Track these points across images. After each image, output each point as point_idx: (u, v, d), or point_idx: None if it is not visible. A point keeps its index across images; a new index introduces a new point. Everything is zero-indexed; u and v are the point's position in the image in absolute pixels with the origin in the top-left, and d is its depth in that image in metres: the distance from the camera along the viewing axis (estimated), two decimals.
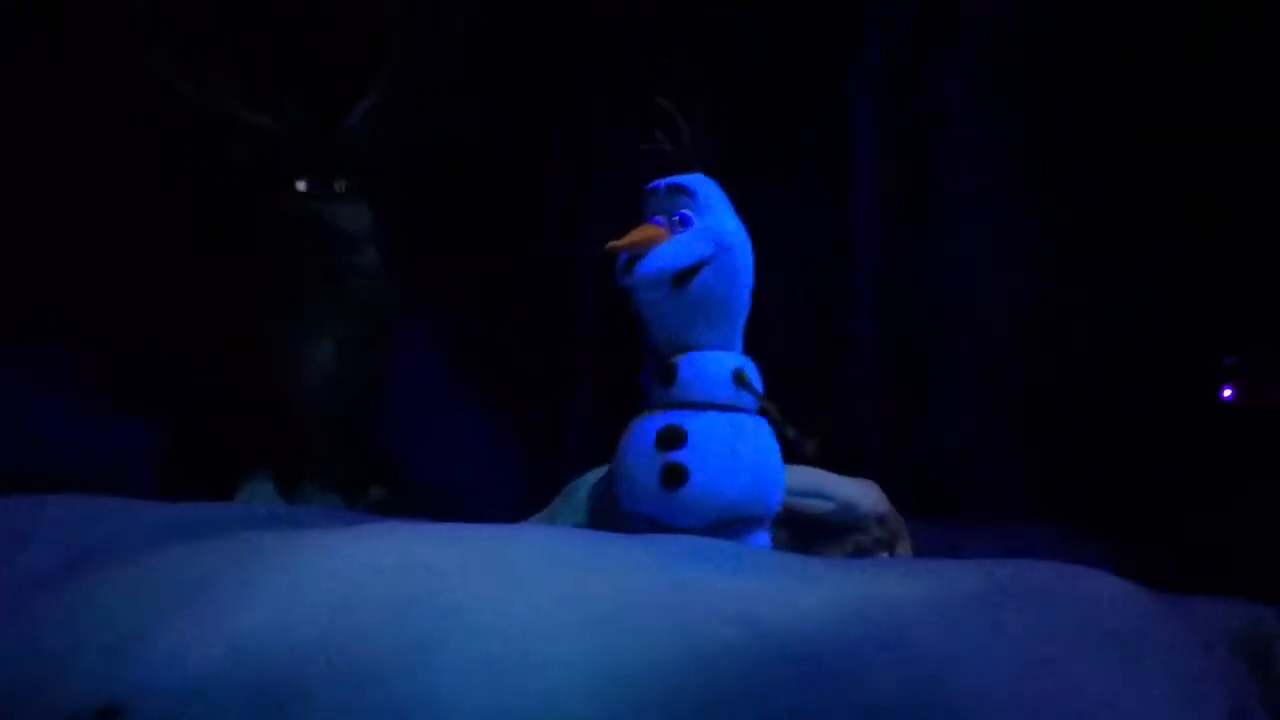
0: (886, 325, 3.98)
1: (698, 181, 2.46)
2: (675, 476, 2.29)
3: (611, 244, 2.37)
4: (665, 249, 2.37)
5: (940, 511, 3.59)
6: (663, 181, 2.44)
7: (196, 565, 1.86)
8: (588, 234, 3.84)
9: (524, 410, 3.79)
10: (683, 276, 2.37)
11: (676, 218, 2.41)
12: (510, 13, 3.83)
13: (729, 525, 2.32)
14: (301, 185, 3.38)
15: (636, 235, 2.39)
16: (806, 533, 2.81)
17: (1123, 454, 4.14)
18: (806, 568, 1.89)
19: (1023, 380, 4.21)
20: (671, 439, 2.31)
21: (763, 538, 2.42)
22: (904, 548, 3.02)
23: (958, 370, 4.09)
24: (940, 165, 4.04)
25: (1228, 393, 4.99)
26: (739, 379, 2.38)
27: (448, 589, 1.63)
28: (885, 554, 2.88)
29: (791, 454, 2.45)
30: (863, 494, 2.92)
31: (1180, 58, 3.85)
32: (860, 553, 2.83)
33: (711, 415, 2.35)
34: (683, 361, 2.39)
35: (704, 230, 2.39)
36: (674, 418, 2.34)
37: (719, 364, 2.39)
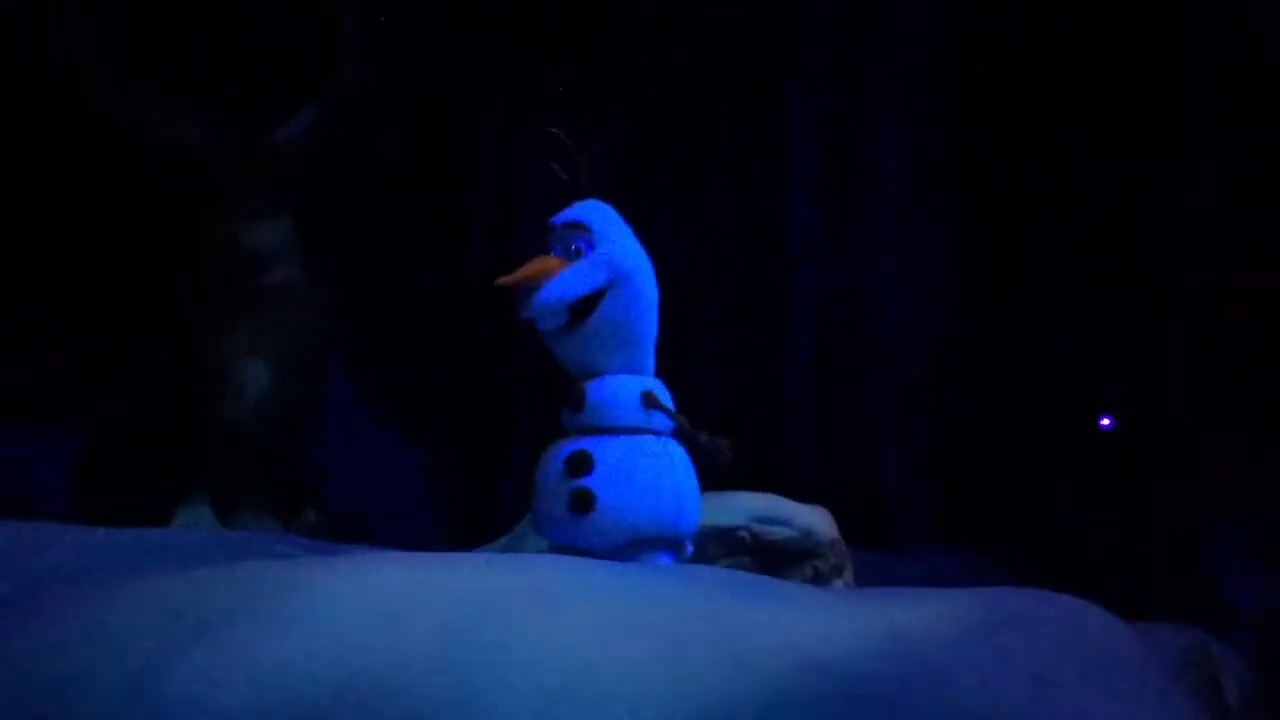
0: (821, 347, 4.06)
1: (592, 212, 2.47)
2: (583, 502, 2.29)
3: (502, 279, 2.38)
4: (560, 279, 2.38)
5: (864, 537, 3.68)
6: (558, 218, 2.46)
7: (205, 595, 1.80)
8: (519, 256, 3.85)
9: (459, 434, 3.77)
10: (580, 305, 2.39)
11: (574, 248, 2.43)
12: (444, 31, 3.82)
13: (637, 547, 2.33)
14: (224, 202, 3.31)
15: (529, 268, 2.39)
16: (769, 559, 2.86)
17: (1018, 480, 4.30)
18: (827, 599, 1.91)
19: (935, 409, 4.35)
20: (579, 465, 2.32)
21: (667, 558, 2.39)
22: (849, 574, 3.09)
23: (879, 400, 4.20)
24: (866, 195, 4.15)
25: (1105, 422, 5.22)
26: (648, 400, 2.39)
27: (491, 621, 1.61)
28: (839, 581, 2.94)
29: (708, 462, 2.43)
30: (818, 520, 2.97)
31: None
32: (818, 578, 2.88)
33: (620, 440, 2.36)
34: (591, 386, 2.39)
35: (599, 259, 2.40)
36: (582, 444, 2.35)
37: (627, 388, 2.40)
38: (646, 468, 2.34)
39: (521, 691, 1.53)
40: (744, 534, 2.70)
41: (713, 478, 2.45)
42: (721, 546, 2.60)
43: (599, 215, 2.47)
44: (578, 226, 2.44)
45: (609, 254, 2.41)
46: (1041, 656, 1.90)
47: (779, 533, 2.78)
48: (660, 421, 2.41)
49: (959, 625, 1.92)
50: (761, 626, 1.67)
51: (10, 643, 1.89)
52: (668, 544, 2.38)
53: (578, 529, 2.30)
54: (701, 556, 2.54)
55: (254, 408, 3.38)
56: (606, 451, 2.34)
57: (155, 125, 3.40)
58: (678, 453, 2.39)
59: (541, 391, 3.79)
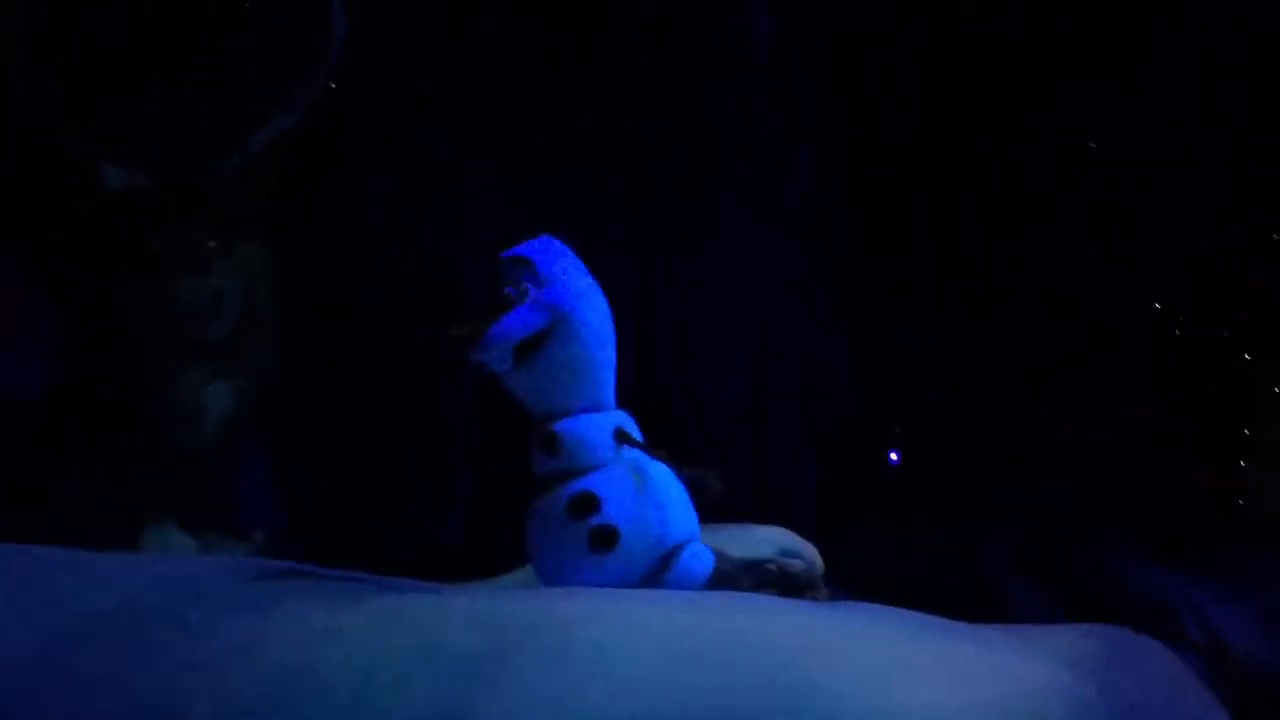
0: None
1: (538, 249, 2.55)
2: (606, 539, 2.38)
3: (452, 326, 2.49)
4: (500, 323, 2.45)
5: None
6: (506, 253, 2.54)
7: (448, 632, 1.83)
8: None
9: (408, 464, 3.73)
10: (524, 347, 2.45)
11: (523, 285, 2.50)
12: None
13: (668, 560, 2.44)
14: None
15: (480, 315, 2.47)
16: (783, 590, 3.03)
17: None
18: (987, 633, 2.13)
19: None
20: (585, 505, 2.39)
21: (707, 552, 2.53)
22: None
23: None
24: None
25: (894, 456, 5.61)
26: (620, 436, 2.48)
27: (789, 665, 1.72)
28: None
29: (696, 495, 2.55)
30: (811, 550, 3.19)
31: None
32: None
33: (609, 469, 2.44)
34: (563, 432, 2.45)
35: (540, 301, 2.47)
36: (576, 486, 2.42)
37: (598, 427, 2.47)
38: (648, 487, 2.45)
39: None
40: (773, 566, 2.86)
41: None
42: (752, 578, 2.75)
43: (544, 252, 2.55)
44: (521, 261, 2.53)
45: (549, 294, 2.48)
46: (1138, 687, 2.20)
47: (796, 565, 2.96)
48: (634, 455, 2.50)
49: (1070, 662, 2.14)
50: (978, 660, 1.84)
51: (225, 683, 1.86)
52: (689, 541, 2.50)
53: (606, 566, 2.38)
54: (735, 589, 2.68)
55: (218, 432, 3.29)
56: (604, 485, 2.42)
57: (99, 160, 3.23)
58: (654, 464, 2.49)
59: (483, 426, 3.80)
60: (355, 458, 3.67)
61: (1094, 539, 4.11)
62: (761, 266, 4.20)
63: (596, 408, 2.50)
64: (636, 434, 2.52)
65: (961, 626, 2.14)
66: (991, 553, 4.36)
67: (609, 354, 2.53)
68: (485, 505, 3.78)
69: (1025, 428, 4.31)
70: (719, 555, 2.57)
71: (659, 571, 2.46)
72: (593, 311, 2.50)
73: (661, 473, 2.50)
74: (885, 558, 3.82)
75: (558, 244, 2.57)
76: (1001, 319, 4.23)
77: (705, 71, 4.16)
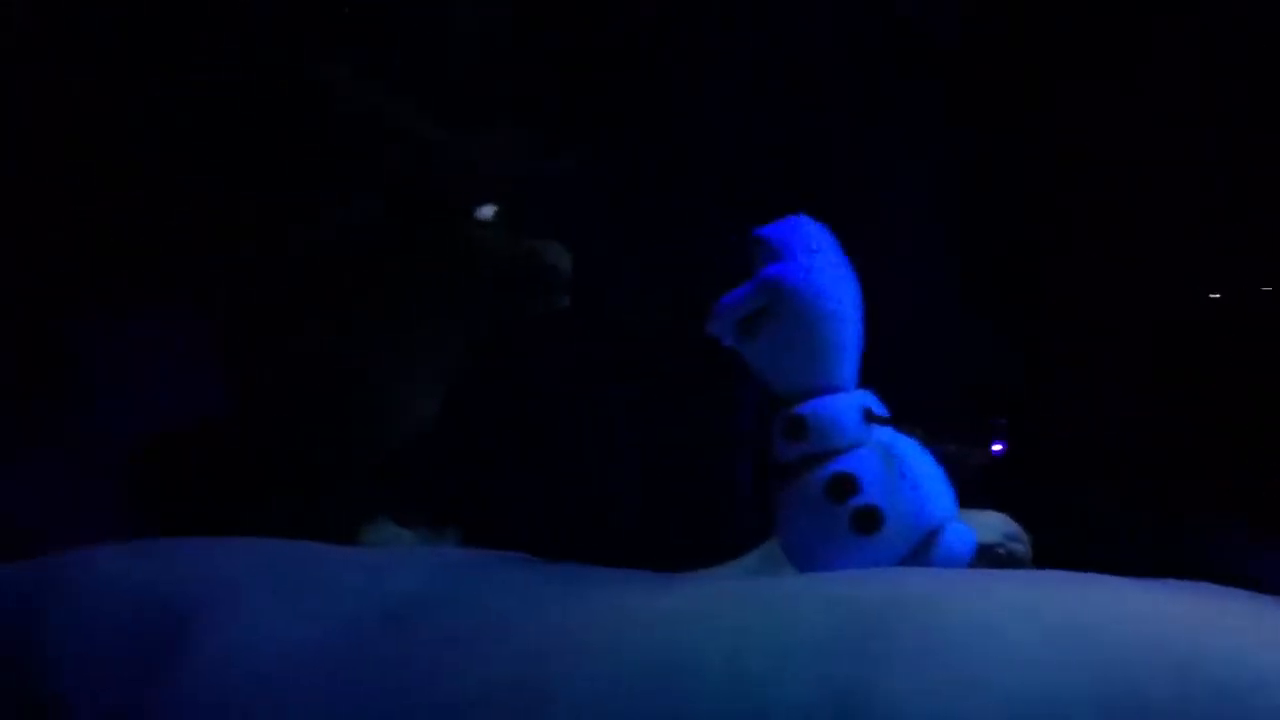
0: None
1: (780, 228, 2.57)
2: (870, 520, 2.38)
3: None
4: (724, 297, 2.52)
5: None
6: (755, 230, 2.59)
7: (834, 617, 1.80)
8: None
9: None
10: (746, 324, 2.50)
11: (761, 263, 2.55)
12: None
13: (933, 536, 2.44)
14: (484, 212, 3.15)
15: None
16: None
17: None
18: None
19: None
20: (844, 486, 2.40)
21: (970, 533, 2.54)
22: None
23: None
24: None
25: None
26: (868, 416, 2.48)
27: (1175, 638, 1.68)
28: None
29: (956, 469, 2.57)
30: (1025, 536, 3.19)
31: None
32: None
33: (860, 450, 2.44)
34: (808, 414, 2.46)
35: (760, 280, 2.51)
36: (832, 467, 2.42)
37: (845, 407, 2.47)
38: (905, 465, 2.45)
39: None
40: (1003, 550, 2.86)
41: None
42: (984, 561, 2.74)
43: (785, 232, 2.57)
44: (758, 240, 2.57)
45: (771, 271, 2.51)
46: None
47: (1021, 550, 2.95)
48: (884, 435, 2.49)
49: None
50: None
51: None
52: (951, 525, 2.50)
53: (868, 548, 2.38)
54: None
55: (418, 424, 3.26)
56: (860, 466, 2.42)
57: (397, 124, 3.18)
58: (905, 443, 2.50)
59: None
60: (526, 446, 3.63)
61: None
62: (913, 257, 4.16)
63: (836, 389, 2.50)
64: (882, 412, 2.51)
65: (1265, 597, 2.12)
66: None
67: (847, 335, 2.51)
68: (656, 492, 3.76)
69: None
70: None
71: (920, 552, 2.45)
72: (825, 292, 2.50)
73: (914, 451, 2.50)
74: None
75: (806, 223, 2.58)
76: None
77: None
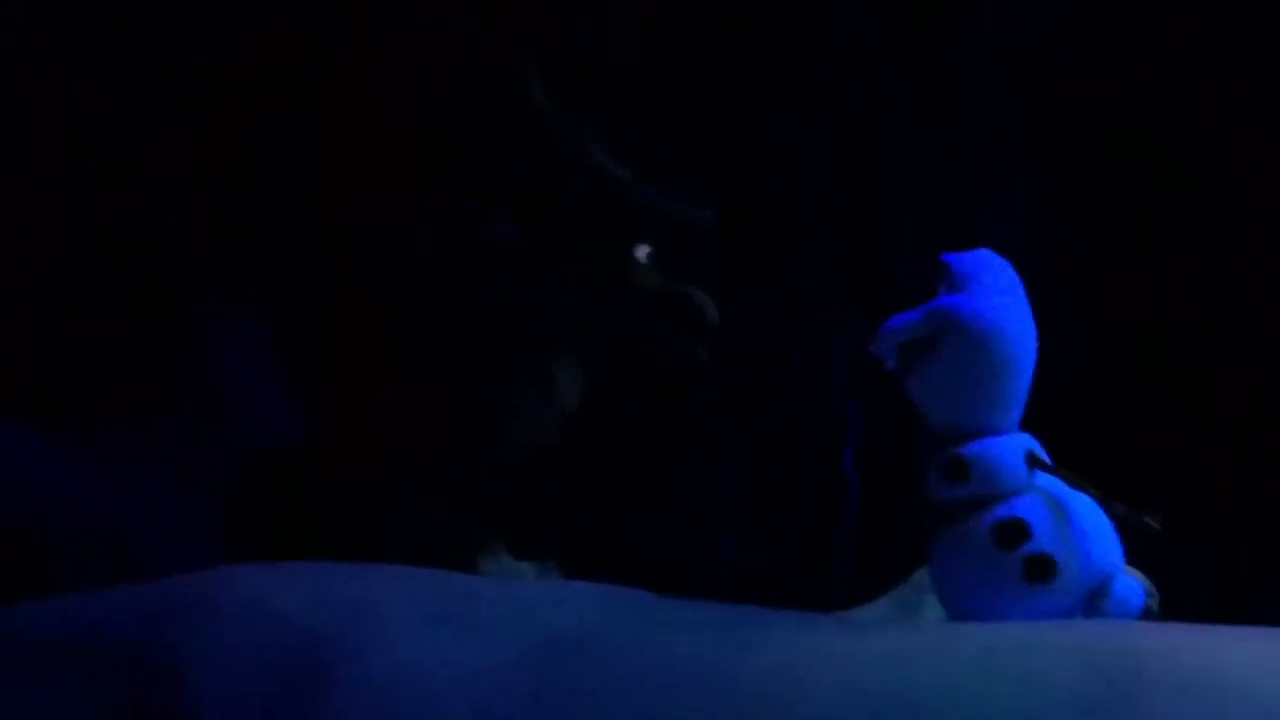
0: None
1: (964, 259, 2.49)
2: (1043, 569, 2.29)
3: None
4: (890, 320, 2.44)
5: None
6: (941, 256, 2.50)
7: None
8: None
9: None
10: (908, 350, 2.43)
11: (940, 291, 2.47)
12: None
13: (1103, 588, 2.37)
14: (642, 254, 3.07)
15: None
16: None
17: None
18: None
19: None
20: (1015, 533, 2.31)
21: (1139, 586, 2.45)
22: None
23: None
24: None
25: None
26: (1032, 461, 2.39)
27: None
28: None
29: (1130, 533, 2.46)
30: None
31: None
32: None
33: (1026, 496, 2.35)
34: (972, 457, 2.36)
35: (932, 309, 2.43)
36: (1000, 512, 2.33)
37: (1010, 450, 2.38)
38: (1072, 513, 2.35)
39: None
40: (1152, 604, 2.76)
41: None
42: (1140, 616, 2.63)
43: (969, 263, 2.49)
44: (941, 267, 2.48)
45: (944, 302, 2.44)
46: None
47: (1153, 602, 2.86)
48: (1048, 482, 2.40)
49: None
50: None
51: None
52: (1120, 577, 2.41)
53: (1043, 598, 2.30)
54: None
55: (536, 457, 3.17)
56: (1029, 512, 2.33)
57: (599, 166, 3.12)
58: (1068, 490, 2.39)
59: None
60: (625, 477, 3.55)
61: None
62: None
63: (997, 430, 2.40)
64: (1045, 458, 2.41)
65: None
66: None
67: (1022, 384, 2.42)
68: (758, 525, 3.69)
69: None
70: None
71: (1091, 604, 2.37)
72: (996, 331, 2.40)
73: (1077, 499, 2.39)
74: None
75: (991, 258, 2.49)
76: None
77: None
